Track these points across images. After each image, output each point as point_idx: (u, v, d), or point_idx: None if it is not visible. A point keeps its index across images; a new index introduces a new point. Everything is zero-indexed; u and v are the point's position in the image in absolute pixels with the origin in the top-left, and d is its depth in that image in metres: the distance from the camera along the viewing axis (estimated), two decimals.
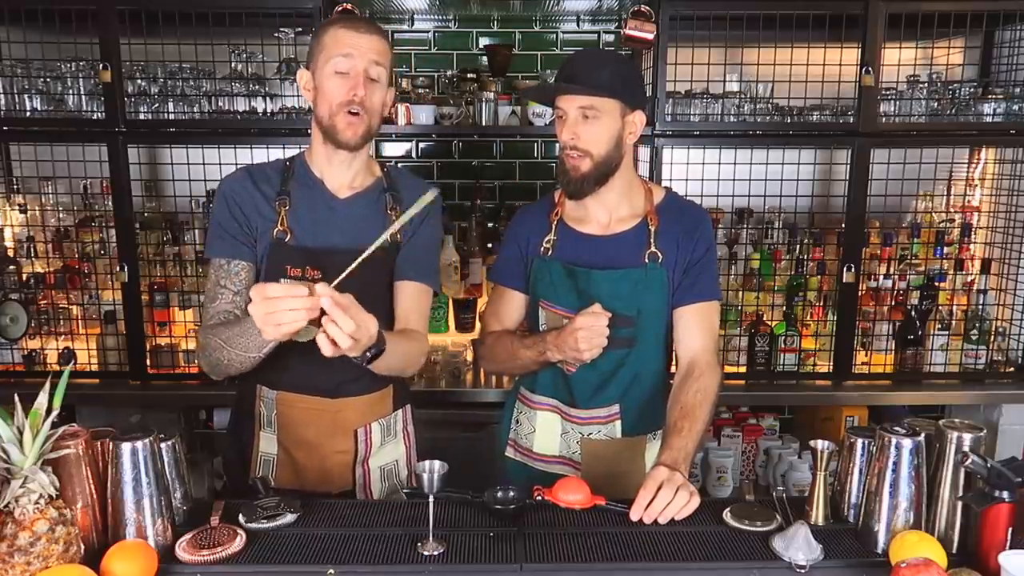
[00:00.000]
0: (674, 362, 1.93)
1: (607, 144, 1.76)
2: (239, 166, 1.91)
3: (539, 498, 1.60)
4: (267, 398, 1.82)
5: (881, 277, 2.90)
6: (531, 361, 1.85)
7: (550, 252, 1.89)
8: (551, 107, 1.89)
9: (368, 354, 1.52)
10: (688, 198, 2.01)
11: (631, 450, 1.90)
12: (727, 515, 1.56)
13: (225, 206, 1.79)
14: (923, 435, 1.46)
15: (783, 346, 2.83)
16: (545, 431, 1.94)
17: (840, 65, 2.68)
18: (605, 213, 1.87)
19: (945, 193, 3.07)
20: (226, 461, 1.98)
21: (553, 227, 1.90)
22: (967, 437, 1.45)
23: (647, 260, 1.83)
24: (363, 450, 1.84)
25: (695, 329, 1.84)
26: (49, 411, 1.32)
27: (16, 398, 1.30)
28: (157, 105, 2.69)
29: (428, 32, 3.25)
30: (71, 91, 2.68)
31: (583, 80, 1.73)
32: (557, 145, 1.89)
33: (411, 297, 1.84)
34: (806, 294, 2.88)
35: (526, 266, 1.93)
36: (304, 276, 1.73)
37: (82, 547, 1.34)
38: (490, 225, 3.21)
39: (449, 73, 3.17)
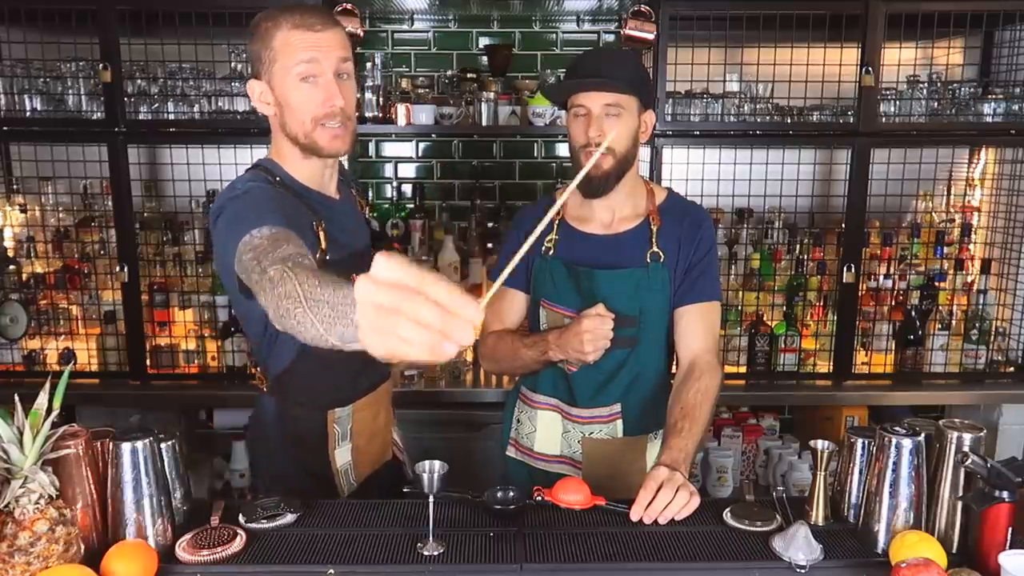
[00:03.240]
0: (675, 362, 1.93)
1: (628, 141, 1.78)
2: (239, 166, 1.83)
3: (539, 498, 1.60)
4: (342, 417, 1.75)
5: (881, 277, 2.90)
6: (532, 361, 1.85)
7: (552, 251, 1.89)
8: (561, 107, 1.88)
9: None
10: (689, 198, 2.02)
11: (632, 450, 1.90)
12: (727, 515, 1.56)
13: (279, 197, 1.51)
14: (923, 435, 1.46)
15: (783, 346, 2.83)
16: (546, 430, 1.94)
17: (840, 65, 2.68)
18: (609, 213, 1.87)
19: (945, 193, 3.07)
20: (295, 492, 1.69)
21: (555, 226, 1.90)
22: (967, 437, 1.45)
23: (649, 260, 1.84)
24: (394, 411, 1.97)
25: (696, 329, 1.84)
26: (49, 411, 1.32)
27: (16, 398, 1.30)
28: (157, 105, 2.69)
29: (428, 32, 3.25)
30: (71, 91, 2.68)
31: (610, 76, 1.73)
32: (564, 145, 1.88)
33: None
34: (806, 294, 2.88)
35: (527, 265, 1.93)
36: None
37: (82, 547, 1.34)
38: (490, 225, 3.21)
39: (449, 73, 3.17)
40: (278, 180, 1.59)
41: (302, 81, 1.51)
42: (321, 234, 1.57)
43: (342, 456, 1.78)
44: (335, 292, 1.04)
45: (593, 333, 1.70)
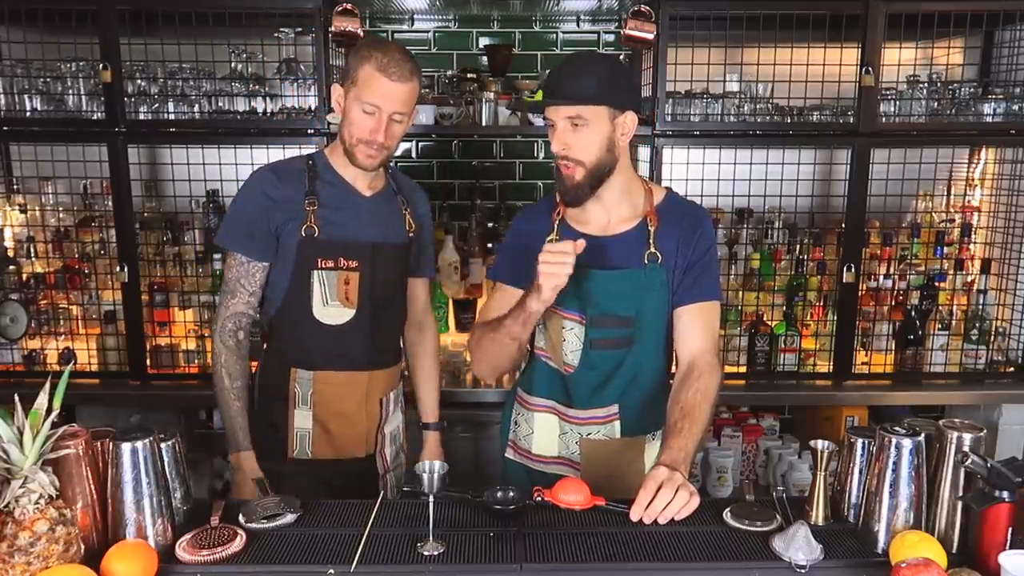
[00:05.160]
0: (675, 362, 1.92)
1: (598, 150, 1.75)
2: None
3: (539, 498, 1.60)
4: (303, 379, 1.97)
5: (881, 277, 2.90)
6: (513, 322, 1.74)
7: None
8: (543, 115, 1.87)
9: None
10: (689, 198, 2.01)
11: (631, 450, 1.90)
12: (727, 515, 1.56)
13: (254, 204, 1.91)
14: (923, 435, 1.46)
15: (783, 346, 2.83)
16: (544, 432, 1.93)
17: (840, 65, 2.68)
18: (604, 214, 1.87)
19: (945, 193, 3.07)
20: (256, 438, 2.01)
21: (555, 227, 1.90)
22: (967, 437, 1.45)
23: (647, 261, 1.83)
24: (383, 416, 2.07)
25: (695, 329, 1.83)
26: (49, 411, 1.32)
27: (16, 398, 1.30)
28: (157, 105, 2.69)
29: (428, 32, 3.25)
30: (71, 91, 2.68)
31: (568, 90, 1.72)
32: None
33: (425, 292, 2.24)
34: (806, 294, 2.88)
35: (527, 265, 1.92)
36: (337, 266, 1.92)
37: (82, 547, 1.34)
38: (490, 225, 3.21)
39: (449, 73, 3.17)
40: (311, 163, 1.96)
41: (364, 112, 1.84)
42: (311, 212, 1.90)
43: (301, 420, 1.97)
44: (235, 415, 1.94)
45: (547, 262, 1.65)
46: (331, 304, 1.93)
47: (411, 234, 2.05)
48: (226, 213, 1.99)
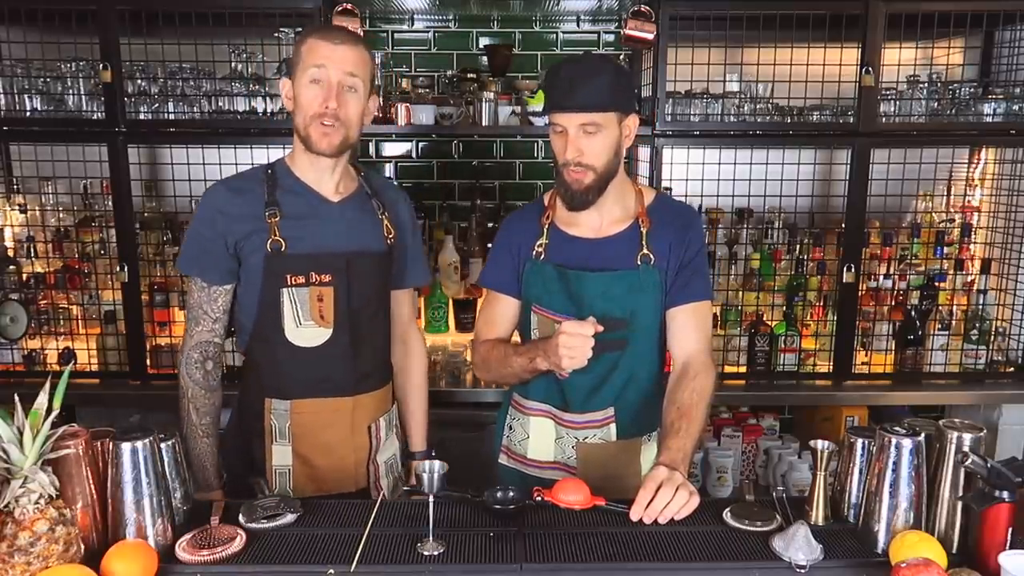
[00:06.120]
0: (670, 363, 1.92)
1: (608, 154, 1.75)
2: (239, 166, 1.93)
3: (539, 498, 1.60)
4: (279, 410, 1.81)
5: (881, 277, 2.90)
6: (521, 368, 1.81)
7: (542, 256, 1.87)
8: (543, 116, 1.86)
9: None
10: (685, 198, 2.01)
11: (627, 453, 1.90)
12: (727, 515, 1.56)
13: (207, 224, 1.78)
14: (923, 435, 1.46)
15: (783, 346, 2.83)
16: (539, 437, 1.92)
17: (840, 65, 2.68)
18: (597, 217, 1.86)
19: (945, 193, 3.07)
20: (231, 472, 1.91)
21: (545, 230, 1.89)
22: (967, 437, 1.45)
23: (639, 262, 1.83)
24: (374, 446, 1.91)
25: (689, 329, 1.83)
26: (49, 411, 1.32)
27: (16, 398, 1.30)
28: (157, 105, 2.69)
29: (428, 32, 3.25)
30: (71, 91, 2.68)
31: (584, 95, 1.70)
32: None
33: (410, 305, 2.08)
34: (806, 294, 2.88)
35: (518, 270, 1.91)
36: (308, 282, 1.77)
37: (82, 547, 1.34)
38: (490, 225, 3.21)
39: (449, 73, 3.17)
40: (269, 172, 1.82)
41: (311, 82, 1.72)
42: (274, 225, 1.76)
43: (279, 456, 1.82)
44: (197, 453, 1.81)
45: (568, 347, 1.65)
46: (304, 324, 1.77)
47: (390, 241, 1.89)
48: (184, 237, 1.85)
